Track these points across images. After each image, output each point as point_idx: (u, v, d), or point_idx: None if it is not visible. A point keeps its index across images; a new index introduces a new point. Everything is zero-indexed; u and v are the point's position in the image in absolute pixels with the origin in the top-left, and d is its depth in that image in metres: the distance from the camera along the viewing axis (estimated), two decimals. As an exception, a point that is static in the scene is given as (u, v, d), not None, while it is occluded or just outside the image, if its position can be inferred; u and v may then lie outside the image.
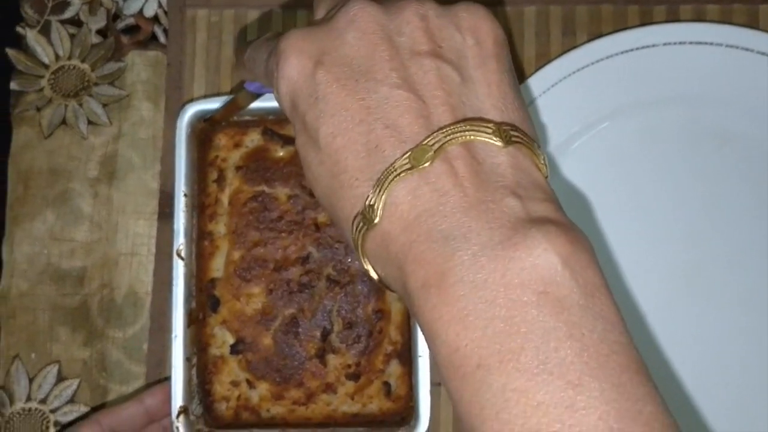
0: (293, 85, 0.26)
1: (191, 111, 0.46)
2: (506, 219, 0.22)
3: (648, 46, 0.47)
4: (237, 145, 0.47)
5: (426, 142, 0.23)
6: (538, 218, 0.22)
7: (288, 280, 0.45)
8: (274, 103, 0.45)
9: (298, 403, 0.45)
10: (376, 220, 0.24)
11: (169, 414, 0.43)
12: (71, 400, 0.49)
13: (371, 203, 0.24)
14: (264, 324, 0.45)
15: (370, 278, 0.26)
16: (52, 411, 0.49)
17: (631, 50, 0.47)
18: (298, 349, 0.45)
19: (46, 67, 0.52)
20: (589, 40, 0.49)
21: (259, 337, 0.45)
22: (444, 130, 0.23)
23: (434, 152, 0.23)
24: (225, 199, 0.47)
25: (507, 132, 0.24)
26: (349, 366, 0.45)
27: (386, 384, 0.45)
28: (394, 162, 0.23)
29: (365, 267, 0.25)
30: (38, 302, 0.50)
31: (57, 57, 0.52)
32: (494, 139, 0.24)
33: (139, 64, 0.52)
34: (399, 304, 0.45)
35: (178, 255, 0.45)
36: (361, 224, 0.24)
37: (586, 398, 0.20)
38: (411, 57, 0.25)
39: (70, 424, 0.48)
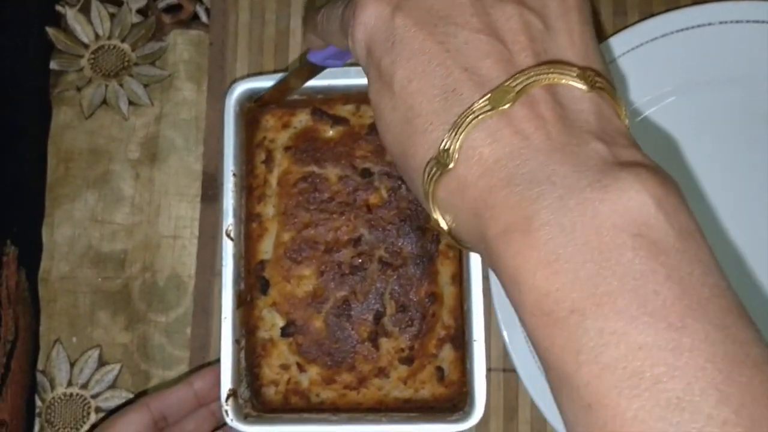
0: (370, 30, 0.25)
1: (239, 90, 0.45)
2: (593, 162, 0.21)
3: (703, 25, 0.46)
4: (285, 126, 0.46)
5: (507, 83, 0.22)
6: (627, 161, 0.21)
7: (339, 262, 0.44)
8: (323, 82, 0.45)
9: (350, 388, 0.44)
10: (450, 165, 0.23)
11: (218, 398, 0.43)
12: (112, 386, 0.48)
13: (446, 147, 0.23)
14: (315, 306, 0.44)
15: (441, 231, 0.25)
16: (93, 396, 0.48)
17: (687, 29, 0.46)
18: (351, 332, 0.44)
19: (86, 46, 0.51)
20: (641, 19, 0.48)
21: (310, 320, 0.44)
22: (526, 72, 0.23)
23: (516, 94, 0.22)
24: (273, 180, 0.46)
25: (591, 77, 0.23)
26: (402, 350, 0.44)
27: (439, 369, 0.44)
28: (473, 104, 0.23)
29: (434, 216, 0.25)
30: (79, 285, 0.49)
31: (97, 36, 0.51)
32: (579, 82, 0.23)
33: (181, 44, 0.51)
34: (452, 287, 0.44)
35: (228, 235, 0.44)
36: (434, 170, 0.23)
37: (690, 341, 0.19)
38: (493, 4, 0.24)
39: (116, 409, 0.47)
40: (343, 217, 0.45)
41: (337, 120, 0.46)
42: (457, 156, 0.23)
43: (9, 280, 0.46)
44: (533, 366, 0.45)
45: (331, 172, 0.45)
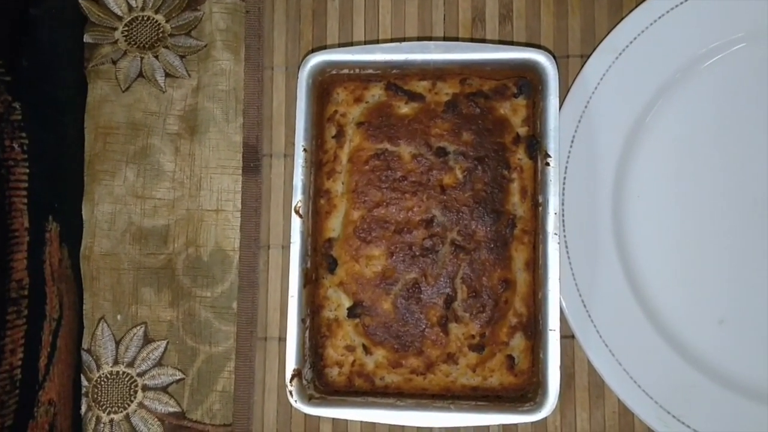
0: None
1: (312, 62, 0.44)
2: None
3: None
4: (358, 100, 0.45)
5: None
6: None
7: (410, 243, 0.43)
8: (399, 57, 0.43)
9: (416, 373, 0.42)
10: None
11: None
12: (159, 363, 0.48)
13: None
14: (384, 288, 0.43)
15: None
16: (140, 374, 0.47)
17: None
18: (420, 315, 0.42)
19: (120, 18, 0.50)
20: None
21: (378, 301, 0.43)
22: None
23: None
24: (344, 156, 0.44)
25: None
26: (472, 336, 0.42)
27: (510, 357, 0.42)
28: None
29: None
30: (121, 262, 0.48)
31: (130, 8, 0.50)
32: None
33: (217, 13, 0.49)
34: (525, 274, 0.43)
35: (297, 212, 0.43)
36: None
37: None
38: None
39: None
40: (416, 197, 0.43)
41: (412, 96, 0.44)
42: None
43: (52, 257, 0.45)
44: (592, 332, 0.44)
45: (405, 149, 0.43)
